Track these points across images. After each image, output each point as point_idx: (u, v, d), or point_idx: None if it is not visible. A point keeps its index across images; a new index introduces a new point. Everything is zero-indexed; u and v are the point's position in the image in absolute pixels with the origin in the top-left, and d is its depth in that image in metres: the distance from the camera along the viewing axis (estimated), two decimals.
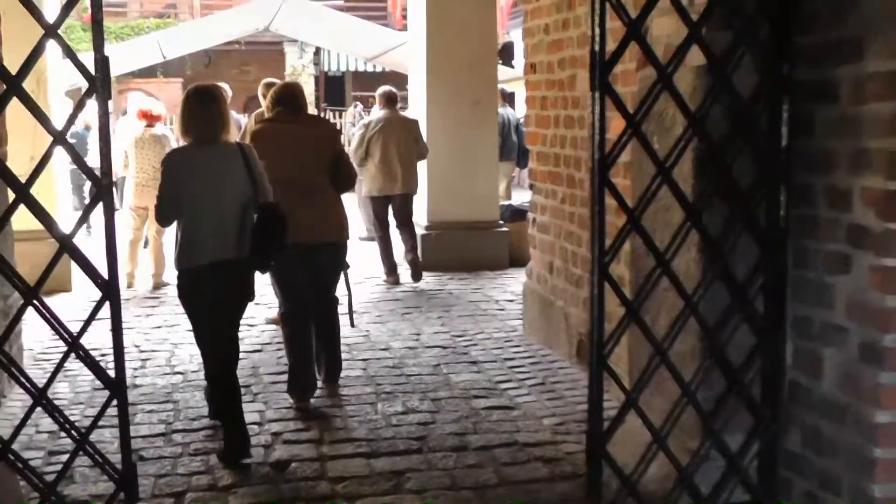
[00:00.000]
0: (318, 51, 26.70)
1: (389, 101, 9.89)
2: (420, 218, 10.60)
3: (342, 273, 5.96)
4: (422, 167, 10.39)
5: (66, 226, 9.43)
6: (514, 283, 9.57)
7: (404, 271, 9.77)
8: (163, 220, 4.94)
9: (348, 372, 6.34)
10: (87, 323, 3.41)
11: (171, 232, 5.03)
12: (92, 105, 3.43)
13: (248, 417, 5.10)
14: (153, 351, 7.08)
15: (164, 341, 7.37)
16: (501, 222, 10.62)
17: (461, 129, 10.30)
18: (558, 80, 6.51)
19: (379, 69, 26.26)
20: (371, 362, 6.64)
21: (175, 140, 9.65)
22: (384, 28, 21.96)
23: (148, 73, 24.81)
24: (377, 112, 10.07)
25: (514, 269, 10.30)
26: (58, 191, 9.49)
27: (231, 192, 4.75)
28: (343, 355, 6.46)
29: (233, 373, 4.91)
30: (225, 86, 9.48)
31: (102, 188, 3.39)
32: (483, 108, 10.36)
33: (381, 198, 9.70)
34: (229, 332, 4.87)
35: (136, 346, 7.18)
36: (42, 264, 3.36)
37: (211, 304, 4.74)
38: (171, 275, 9.98)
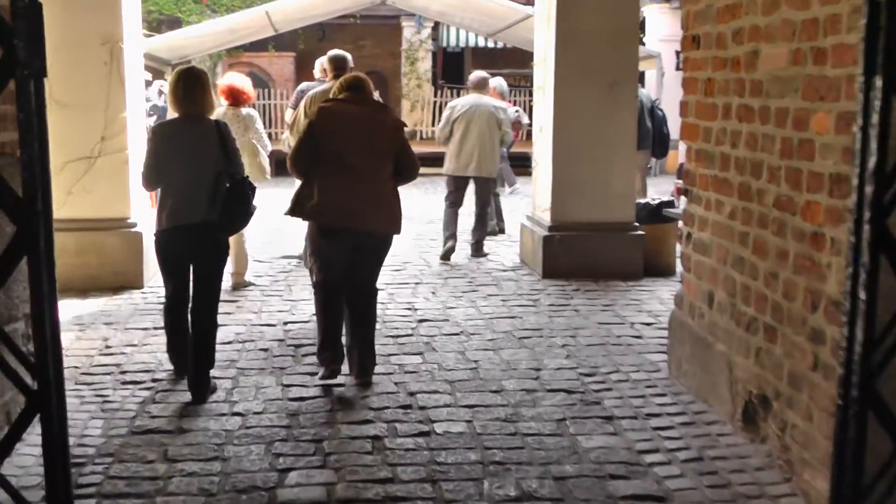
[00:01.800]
0: (436, 25, 25.44)
1: (478, 85, 10.35)
2: (542, 217, 9.18)
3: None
4: (545, 158, 9.02)
5: (141, 215, 8.42)
6: (650, 299, 8.10)
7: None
8: (146, 184, 5.78)
9: (449, 426, 5.02)
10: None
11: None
12: None
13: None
14: (214, 378, 5.83)
15: (229, 365, 6.14)
16: (637, 224, 9.12)
17: (594, 114, 8.83)
18: (732, 58, 4.99)
19: (500, 45, 24.95)
20: (478, 412, 5.25)
21: (261, 121, 8.45)
22: (507, 1, 20.48)
23: (259, 46, 23.92)
24: (467, 96, 10.43)
25: (650, 279, 8.86)
26: (131, 174, 8.38)
27: (204, 163, 5.47)
28: (445, 396, 5.40)
29: (183, 314, 5.62)
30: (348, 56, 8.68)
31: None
32: (620, 91, 8.85)
33: (456, 177, 10.17)
34: (185, 280, 5.57)
35: None
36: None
37: (175, 259, 5.55)
38: (254, 273, 9.00)
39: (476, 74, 10.58)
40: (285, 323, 7.18)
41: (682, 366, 5.74)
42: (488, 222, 10.83)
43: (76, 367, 6.05)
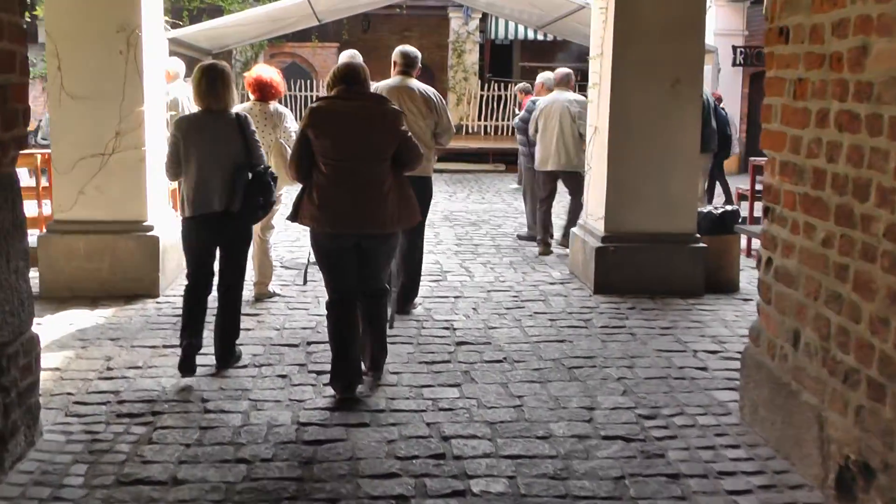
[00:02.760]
0: (484, 17, 24.70)
1: (560, 82, 10.68)
2: (595, 226, 8.41)
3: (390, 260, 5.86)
4: (599, 161, 8.27)
5: (158, 217, 7.76)
6: (713, 321, 7.33)
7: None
8: (168, 175, 6.07)
9: (488, 483, 4.27)
10: None
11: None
12: None
13: None
14: (221, 412, 5.15)
15: (241, 394, 5.44)
16: (698, 236, 8.31)
17: (654, 114, 8.04)
18: (832, 55, 4.19)
19: (550, 38, 24.17)
20: (522, 465, 4.48)
21: (292, 119, 7.75)
22: None
23: (302, 36, 23.39)
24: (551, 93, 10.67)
25: (712, 296, 8.08)
26: (148, 173, 7.74)
27: (224, 155, 5.70)
28: (485, 443, 4.73)
29: (202, 297, 5.89)
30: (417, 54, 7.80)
31: None
32: (683, 90, 8.04)
33: (545, 172, 10.41)
34: (207, 266, 5.88)
35: (203, 401, 5.29)
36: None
37: (198, 246, 5.83)
38: (280, 282, 8.33)
39: (558, 71, 10.94)
40: (309, 343, 6.47)
41: (757, 412, 4.94)
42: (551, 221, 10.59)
43: (70, 394, 5.39)
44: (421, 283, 7.78)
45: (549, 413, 5.19)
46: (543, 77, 11.28)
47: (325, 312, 5.60)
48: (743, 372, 5.25)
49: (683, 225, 8.21)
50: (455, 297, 7.96)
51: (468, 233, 11.59)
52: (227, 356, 5.90)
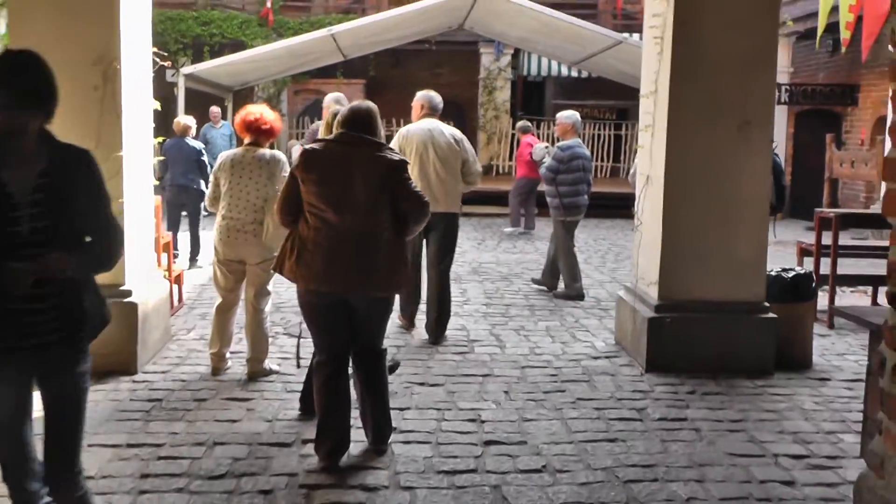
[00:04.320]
0: (516, 53, 23.69)
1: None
2: (647, 292, 7.23)
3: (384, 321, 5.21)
4: (653, 216, 7.13)
5: (139, 280, 6.62)
6: (790, 410, 6.16)
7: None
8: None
9: None
10: None
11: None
12: None
13: None
14: None
15: (227, 498, 4.31)
16: (767, 304, 7.11)
17: (718, 162, 6.89)
18: None
19: (584, 75, 23.14)
20: None
21: (288, 163, 6.66)
22: (595, 25, 18.63)
23: (327, 72, 22.49)
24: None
25: (782, 375, 6.95)
26: (129, 229, 6.64)
27: None
28: None
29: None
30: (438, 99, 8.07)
31: None
32: (753, 133, 6.88)
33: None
34: None
35: None
36: None
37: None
38: (280, 353, 7.20)
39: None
40: (304, 442, 5.29)
41: None
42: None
43: None
44: (444, 359, 6.84)
45: None
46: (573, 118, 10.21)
47: (314, 372, 5.12)
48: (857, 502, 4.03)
49: (751, 292, 7.02)
50: (483, 376, 6.77)
51: (498, 289, 10.42)
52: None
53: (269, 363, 6.69)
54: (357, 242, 4.80)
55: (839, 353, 7.87)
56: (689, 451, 5.29)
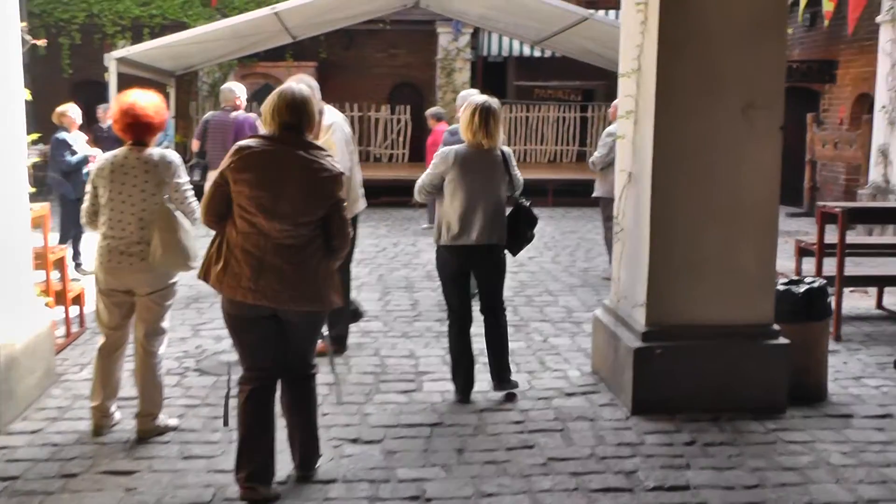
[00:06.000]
0: (476, 32, 22.33)
1: None
2: (632, 315, 5.95)
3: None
4: (638, 222, 5.86)
5: (8, 316, 5.09)
6: (814, 467, 5.02)
7: None
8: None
9: None
10: None
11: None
12: None
13: None
14: None
15: None
16: (776, 327, 5.86)
17: (717, 153, 5.61)
18: None
19: (547, 54, 21.86)
20: None
21: (184, 167, 5.30)
22: (559, 1, 17.34)
23: (275, 55, 21.11)
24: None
25: (796, 411, 5.80)
26: None
27: (492, 191, 5.90)
28: None
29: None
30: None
31: None
32: (759, 118, 5.59)
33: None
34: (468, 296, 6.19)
35: None
36: None
37: (456, 273, 6.04)
38: (185, 399, 5.84)
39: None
40: None
41: None
42: None
43: None
44: (385, 401, 5.82)
45: None
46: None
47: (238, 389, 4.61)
48: None
49: (758, 312, 5.76)
50: (432, 427, 5.45)
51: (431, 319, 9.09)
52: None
53: (164, 418, 5.33)
54: (288, 252, 4.42)
55: (855, 377, 6.66)
56: None
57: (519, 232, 6.04)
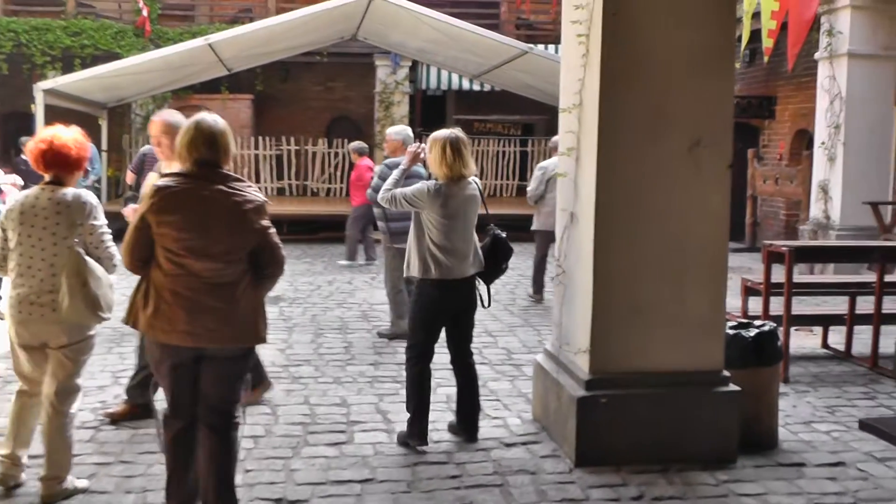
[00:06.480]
0: (414, 66, 22.11)
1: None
2: (574, 362, 5.65)
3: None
4: (580, 264, 5.58)
5: None
6: None
7: None
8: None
9: None
10: None
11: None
12: None
13: None
14: None
15: None
16: (727, 374, 5.61)
17: (662, 193, 5.37)
18: None
19: (487, 88, 21.72)
20: None
21: (101, 209, 4.91)
22: (498, 35, 17.22)
23: (211, 87, 20.69)
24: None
25: (747, 460, 5.58)
26: None
27: (472, 222, 5.96)
28: None
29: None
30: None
31: None
32: (705, 156, 5.36)
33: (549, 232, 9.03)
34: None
35: None
36: None
37: (441, 311, 5.86)
38: (93, 461, 5.36)
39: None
40: None
41: None
42: None
43: None
44: (314, 454, 5.42)
45: None
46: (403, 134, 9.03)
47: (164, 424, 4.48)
48: None
49: (708, 358, 5.51)
50: (363, 483, 5.08)
51: (390, 342, 8.74)
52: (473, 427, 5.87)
53: (72, 480, 4.88)
54: (221, 291, 4.26)
55: (805, 422, 6.43)
56: None
57: (497, 262, 6.10)
